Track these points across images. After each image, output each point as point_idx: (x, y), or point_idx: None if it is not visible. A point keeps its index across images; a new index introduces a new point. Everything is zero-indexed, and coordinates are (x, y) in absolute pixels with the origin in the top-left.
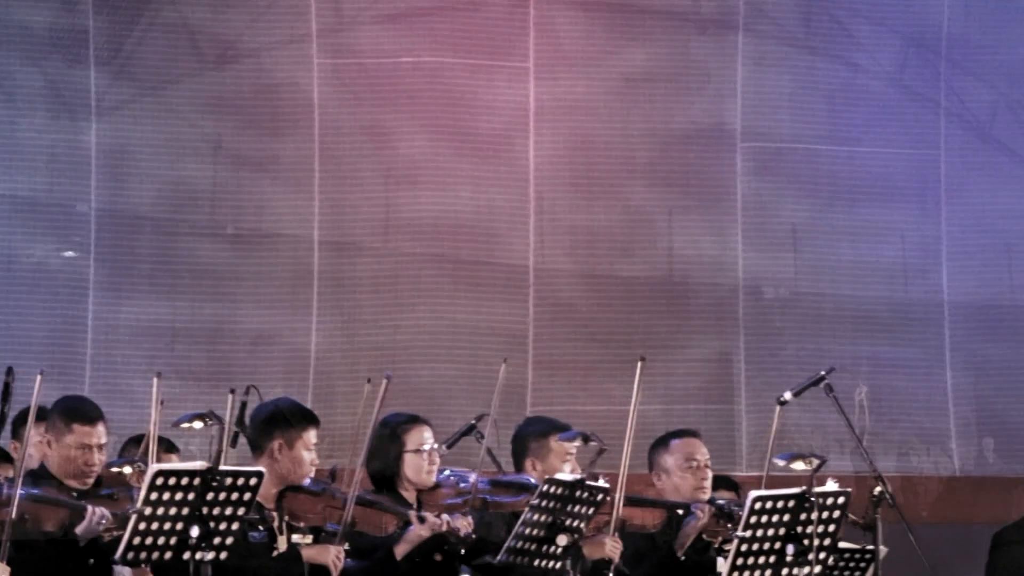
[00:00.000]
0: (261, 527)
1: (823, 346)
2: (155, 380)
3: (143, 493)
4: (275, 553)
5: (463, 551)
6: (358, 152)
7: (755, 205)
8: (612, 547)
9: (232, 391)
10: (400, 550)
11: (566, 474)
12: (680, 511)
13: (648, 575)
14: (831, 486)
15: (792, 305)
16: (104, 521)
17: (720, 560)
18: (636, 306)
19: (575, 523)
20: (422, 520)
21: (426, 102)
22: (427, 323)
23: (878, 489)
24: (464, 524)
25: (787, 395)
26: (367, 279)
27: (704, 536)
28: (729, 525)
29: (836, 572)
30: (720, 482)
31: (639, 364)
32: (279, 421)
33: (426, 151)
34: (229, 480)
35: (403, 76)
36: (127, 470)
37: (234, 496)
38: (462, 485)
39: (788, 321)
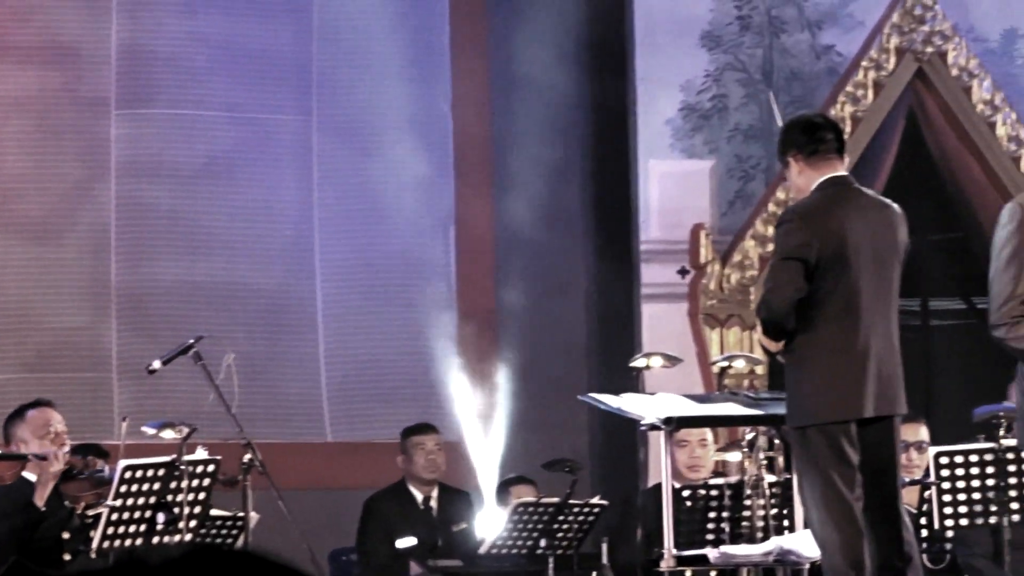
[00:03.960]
0: None
1: (195, 313)
2: None
3: None
4: None
5: None
6: None
7: (130, 172)
8: None
9: None
10: (41, 495)
11: None
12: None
13: (13, 529)
14: (201, 454)
15: (167, 275)
16: None
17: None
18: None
19: None
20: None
21: None
22: None
23: (247, 456)
24: None
25: (156, 363)
26: None
27: (67, 503)
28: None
29: (208, 539)
30: (90, 450)
31: None
32: None
33: None
34: None
35: None
36: None
37: None
38: None
39: (160, 290)
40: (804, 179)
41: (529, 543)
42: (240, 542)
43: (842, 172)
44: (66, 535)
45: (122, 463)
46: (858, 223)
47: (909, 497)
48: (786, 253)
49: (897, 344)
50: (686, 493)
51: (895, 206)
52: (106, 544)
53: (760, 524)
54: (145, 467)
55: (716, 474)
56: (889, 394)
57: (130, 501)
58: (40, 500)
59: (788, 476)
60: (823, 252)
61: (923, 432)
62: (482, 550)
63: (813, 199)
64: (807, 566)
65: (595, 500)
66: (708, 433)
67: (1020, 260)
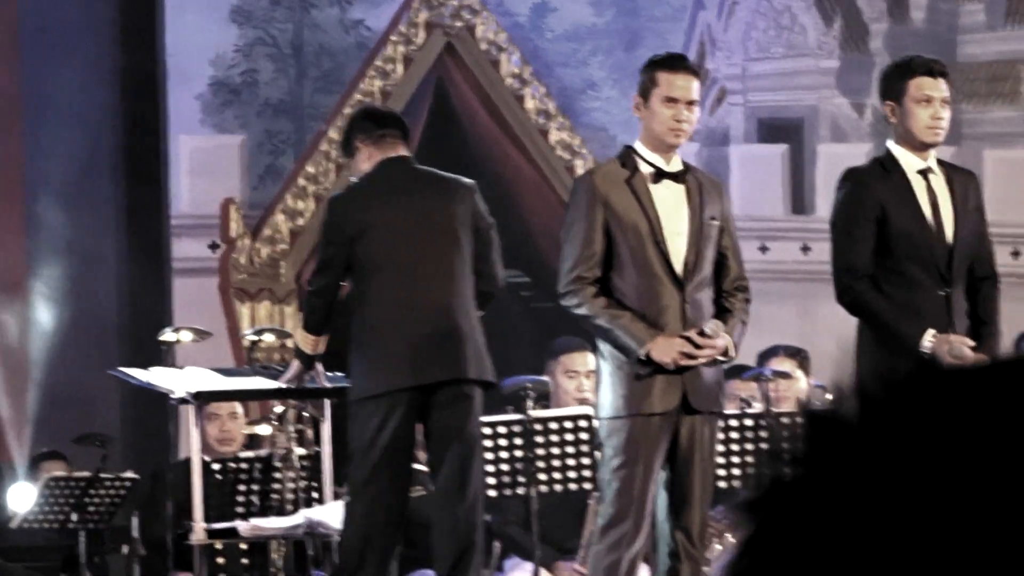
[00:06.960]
0: None
1: None
2: None
3: None
4: None
5: None
6: None
7: None
8: None
9: None
10: None
11: None
12: None
13: None
14: None
15: None
16: None
17: None
18: None
19: None
20: None
21: None
22: None
23: None
24: None
25: None
26: None
27: None
28: None
29: None
30: None
31: None
32: None
33: None
34: None
35: None
36: None
37: None
38: None
39: None
40: (370, 164)
41: (60, 517)
42: None
43: (403, 153)
44: None
45: None
46: (402, 198)
47: None
48: (323, 237)
49: (462, 314)
50: (216, 466)
51: (460, 180)
52: None
53: (290, 497)
54: None
55: (246, 447)
56: (443, 362)
57: None
58: None
59: (317, 449)
60: (361, 231)
61: None
62: (13, 525)
63: (359, 181)
64: (336, 537)
65: (126, 474)
66: (239, 406)
67: (582, 230)
